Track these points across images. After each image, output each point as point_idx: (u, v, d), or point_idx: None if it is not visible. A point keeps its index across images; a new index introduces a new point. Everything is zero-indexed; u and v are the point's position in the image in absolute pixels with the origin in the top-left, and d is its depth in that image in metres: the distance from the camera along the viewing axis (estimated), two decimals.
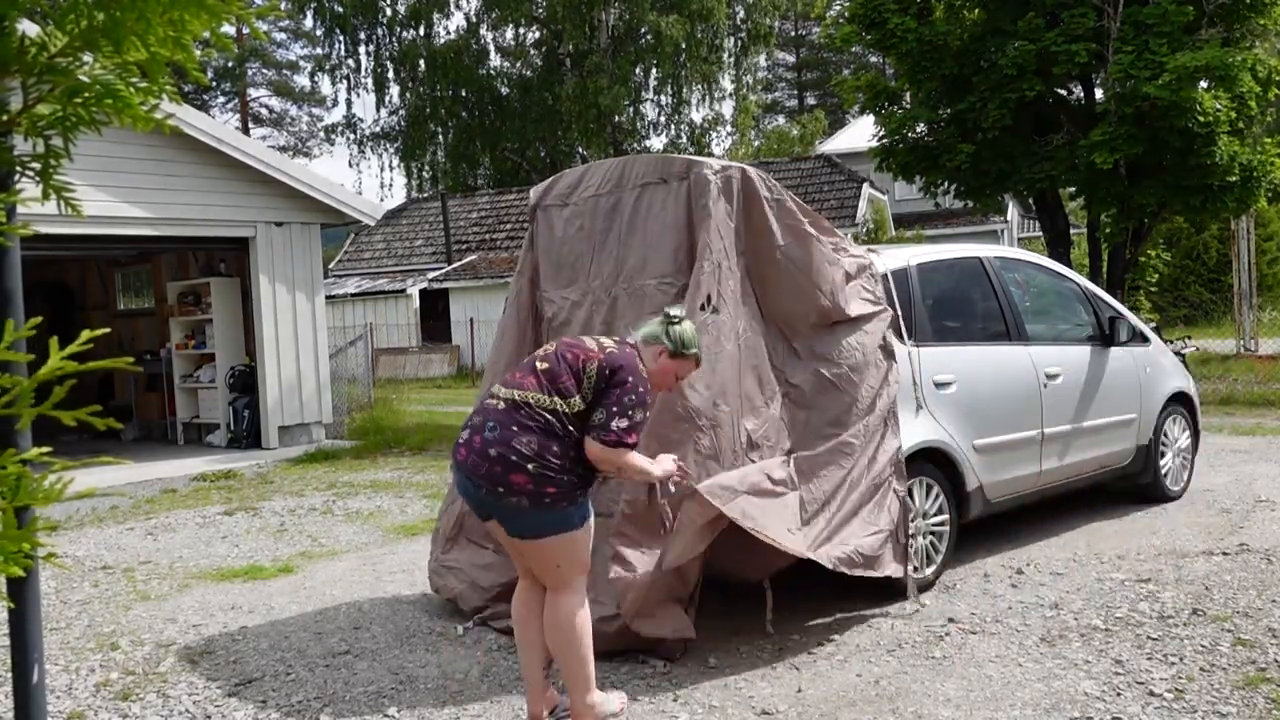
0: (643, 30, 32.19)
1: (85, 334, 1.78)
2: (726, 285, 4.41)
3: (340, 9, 33.20)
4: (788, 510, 4.31)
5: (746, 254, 4.58)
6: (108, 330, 1.98)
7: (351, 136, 36.23)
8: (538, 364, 3.60)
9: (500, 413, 3.47)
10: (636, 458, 3.52)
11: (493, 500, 3.45)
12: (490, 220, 30.69)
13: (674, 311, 3.73)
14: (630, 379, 3.46)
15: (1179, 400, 7.08)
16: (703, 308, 4.32)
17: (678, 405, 4.19)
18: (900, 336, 5.16)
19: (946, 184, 14.06)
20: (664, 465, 3.69)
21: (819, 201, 26.13)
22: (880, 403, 4.71)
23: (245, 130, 43.33)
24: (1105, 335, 6.49)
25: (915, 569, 4.82)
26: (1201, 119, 11.22)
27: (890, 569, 4.60)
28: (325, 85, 52.26)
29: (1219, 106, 11.24)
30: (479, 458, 3.41)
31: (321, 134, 43.67)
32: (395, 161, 36.57)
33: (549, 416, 3.42)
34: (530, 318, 5.19)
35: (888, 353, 4.84)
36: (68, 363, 1.73)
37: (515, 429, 3.40)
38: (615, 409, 3.41)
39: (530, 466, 3.35)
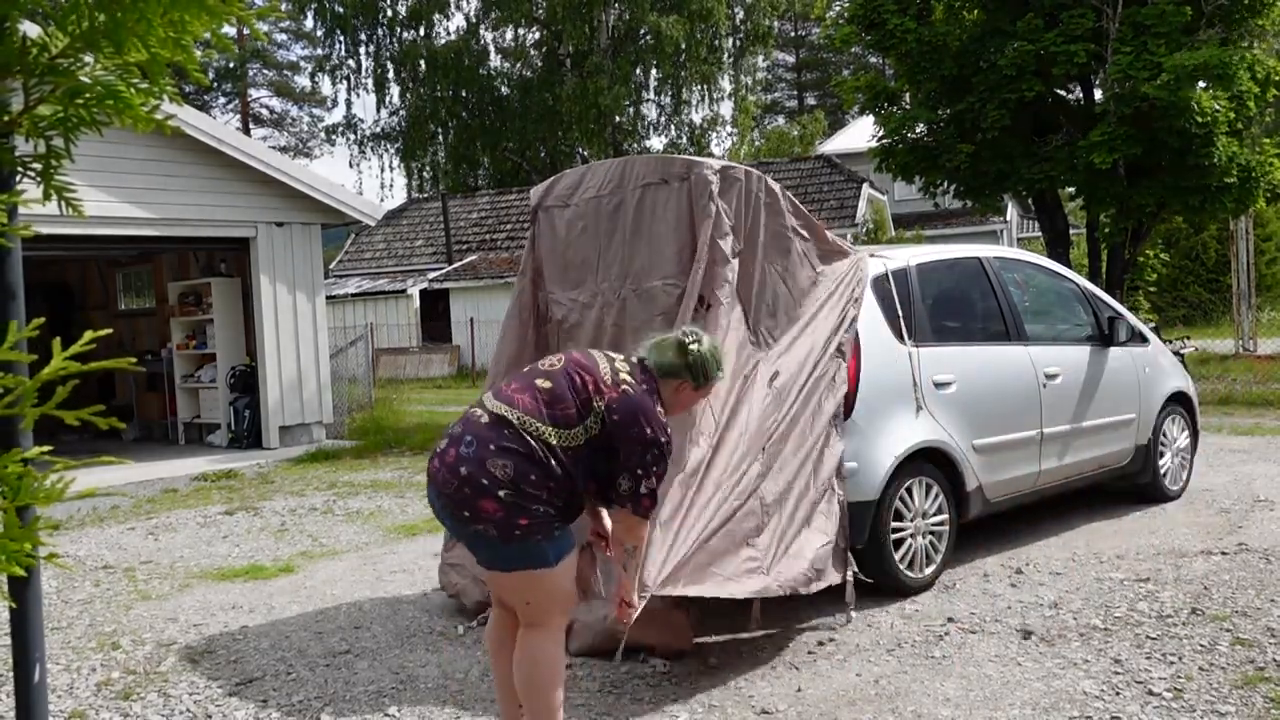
0: (643, 31, 32.20)
1: (88, 334, 1.79)
2: (721, 286, 4.40)
3: (340, 10, 33.22)
4: (748, 532, 4.28)
5: (742, 255, 4.58)
6: (109, 331, 1.99)
7: (352, 137, 36.28)
8: (538, 381, 3.19)
9: (482, 427, 3.10)
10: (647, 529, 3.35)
11: (458, 526, 3.13)
12: (490, 220, 30.70)
13: (690, 343, 3.35)
14: (649, 430, 3.13)
15: (1178, 400, 7.09)
16: (697, 309, 4.31)
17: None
18: (901, 336, 5.17)
19: (946, 184, 14.07)
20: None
21: (819, 202, 26.14)
22: (828, 405, 4.68)
23: (246, 131, 43.34)
24: (1104, 335, 6.50)
25: (855, 574, 4.74)
26: (1199, 119, 11.22)
27: (833, 578, 4.55)
28: (326, 86, 52.23)
29: (1217, 106, 11.24)
30: (449, 473, 3.05)
31: (322, 134, 43.72)
32: (395, 162, 36.63)
33: (534, 443, 3.04)
34: (532, 319, 5.20)
35: (839, 352, 4.81)
36: (70, 363, 1.74)
37: (493, 449, 3.02)
38: (640, 471, 3.11)
39: (502, 493, 2.97)
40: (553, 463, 3.04)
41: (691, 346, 3.34)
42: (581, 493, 3.18)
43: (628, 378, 3.22)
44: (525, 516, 3.00)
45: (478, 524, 3.02)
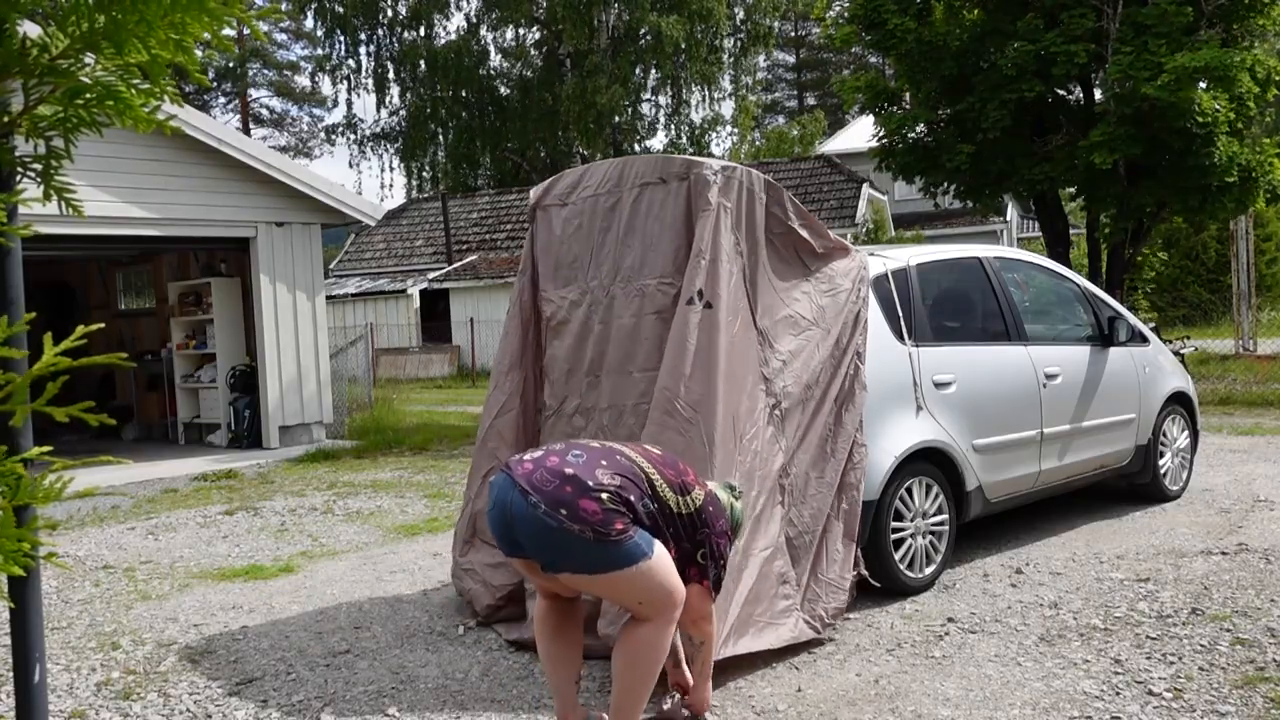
0: (643, 30, 32.21)
1: (79, 329, 1.79)
2: (721, 284, 4.37)
3: (341, 9, 33.25)
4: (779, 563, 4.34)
5: (744, 256, 4.57)
6: (101, 325, 1.99)
7: (352, 137, 36.33)
8: (646, 445, 3.57)
9: (593, 448, 3.33)
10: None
11: (542, 533, 3.14)
12: (490, 220, 30.71)
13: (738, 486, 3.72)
14: (721, 523, 3.47)
15: (1178, 400, 7.09)
16: (691, 301, 4.27)
17: (677, 403, 4.15)
18: (900, 336, 5.17)
19: (946, 184, 14.06)
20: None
21: (818, 202, 26.14)
22: (848, 419, 4.69)
23: (246, 131, 43.35)
24: (1104, 335, 6.50)
25: (863, 574, 4.79)
26: (1200, 120, 11.22)
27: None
28: (326, 86, 52.23)
29: (1217, 107, 11.24)
30: (549, 474, 3.17)
31: (322, 134, 43.74)
32: (395, 162, 36.70)
33: (643, 476, 3.27)
34: (532, 318, 5.19)
35: (858, 355, 4.81)
36: (61, 359, 1.74)
37: (605, 464, 3.23)
38: (717, 553, 3.41)
39: (605, 496, 3.13)
40: (653, 499, 3.26)
41: (738, 491, 3.65)
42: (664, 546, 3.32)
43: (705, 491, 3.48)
44: (621, 521, 3.13)
45: (574, 523, 3.09)
